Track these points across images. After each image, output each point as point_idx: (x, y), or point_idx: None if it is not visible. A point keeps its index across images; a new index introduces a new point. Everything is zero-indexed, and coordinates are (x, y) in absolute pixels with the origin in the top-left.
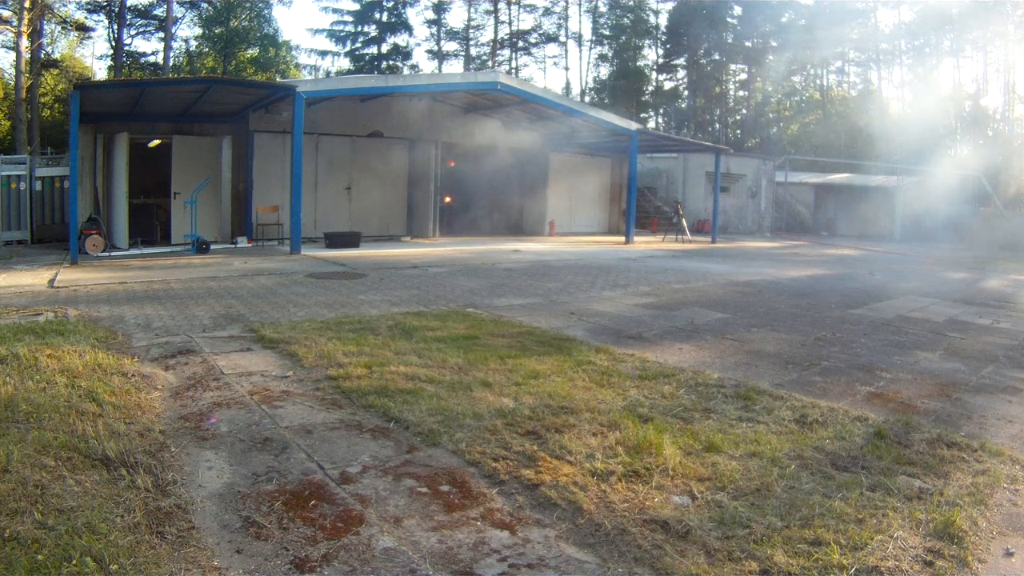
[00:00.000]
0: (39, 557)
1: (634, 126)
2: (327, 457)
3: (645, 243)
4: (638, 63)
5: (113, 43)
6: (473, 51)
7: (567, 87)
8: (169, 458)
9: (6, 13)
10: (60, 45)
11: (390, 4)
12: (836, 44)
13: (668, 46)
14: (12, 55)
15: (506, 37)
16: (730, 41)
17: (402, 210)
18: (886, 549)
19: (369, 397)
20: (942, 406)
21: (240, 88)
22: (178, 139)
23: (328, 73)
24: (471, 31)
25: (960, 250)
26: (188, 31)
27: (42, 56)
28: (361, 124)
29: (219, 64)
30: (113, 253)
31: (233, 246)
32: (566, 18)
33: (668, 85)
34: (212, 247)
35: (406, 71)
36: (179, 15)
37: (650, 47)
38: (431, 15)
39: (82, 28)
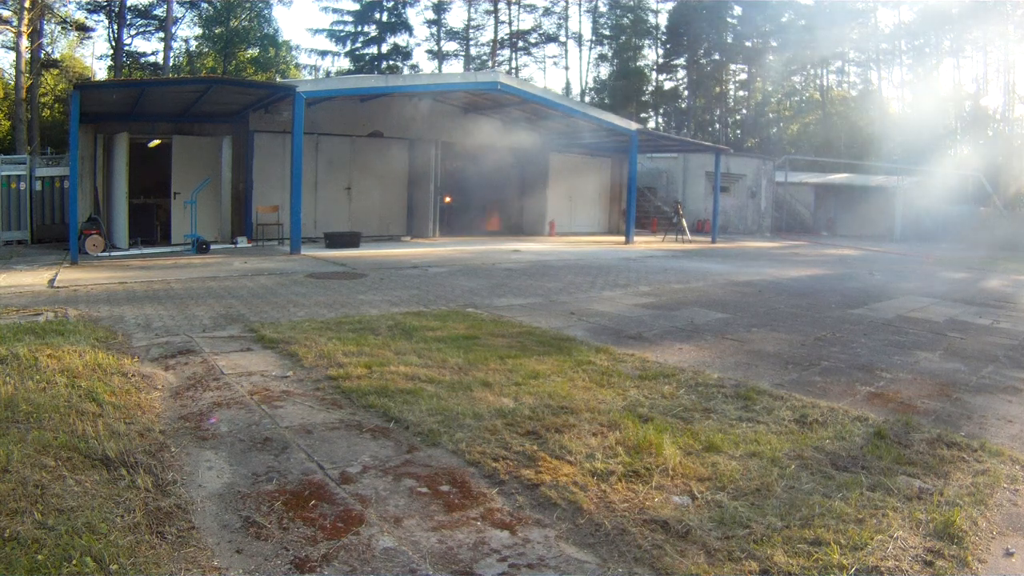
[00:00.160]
0: (39, 557)
1: (634, 126)
2: (327, 457)
3: (645, 243)
4: (638, 63)
5: (113, 43)
6: (473, 51)
7: (567, 87)
8: (169, 458)
9: (6, 13)
10: (60, 45)
11: (390, 4)
12: (836, 44)
13: (668, 46)
14: (12, 55)
15: (506, 37)
16: (730, 41)
17: (402, 210)
18: (886, 549)
19: (369, 397)
20: (942, 406)
21: (240, 88)
22: (178, 139)
23: (328, 73)
24: (471, 31)
25: (960, 250)
26: (188, 31)
27: (42, 56)
28: (361, 124)
29: (219, 64)
30: (113, 253)
31: (233, 246)
32: (566, 18)
33: (668, 85)
34: (212, 247)
35: (406, 71)
36: (179, 15)
37: (650, 47)
38: (431, 15)
39: (82, 28)
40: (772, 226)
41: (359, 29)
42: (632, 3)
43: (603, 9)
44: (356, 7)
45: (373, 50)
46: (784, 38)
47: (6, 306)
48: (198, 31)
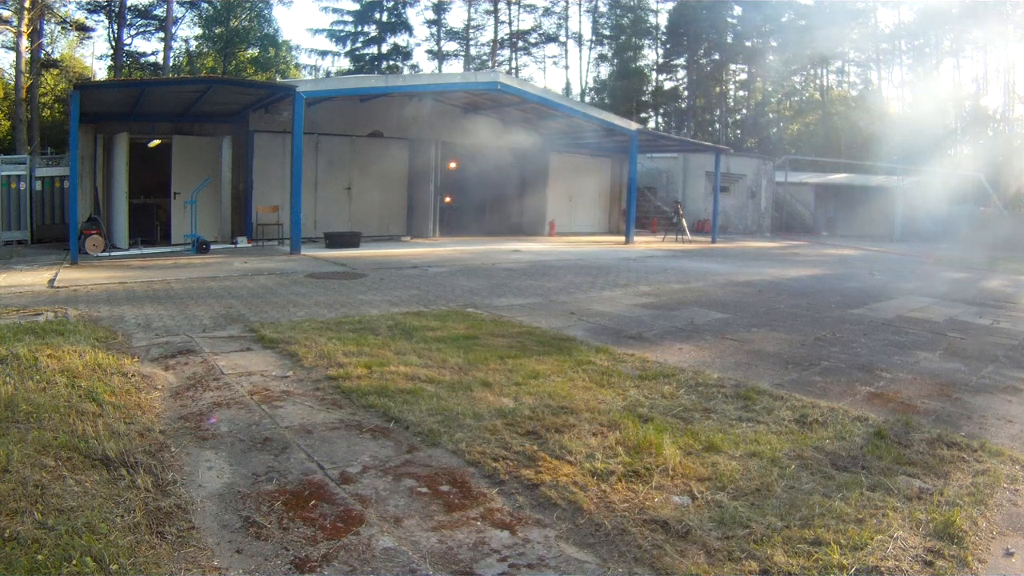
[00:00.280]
0: (39, 557)
1: (634, 126)
2: (327, 457)
3: (645, 243)
4: (638, 63)
5: (113, 43)
6: (473, 51)
7: (567, 87)
8: (169, 458)
9: (6, 13)
10: (60, 45)
11: (390, 4)
12: (836, 44)
13: (668, 46)
14: (12, 55)
15: (506, 37)
16: (730, 41)
17: (402, 210)
18: (886, 549)
19: (369, 397)
20: (942, 406)
21: (240, 88)
22: (178, 139)
23: (328, 73)
24: (471, 31)
25: (960, 250)
26: (188, 31)
27: (42, 56)
28: (361, 124)
29: (219, 64)
30: (113, 253)
31: (233, 246)
32: (566, 18)
33: (668, 85)
34: (212, 247)
35: (406, 71)
36: (179, 15)
37: (650, 47)
38: (431, 15)
39: (82, 28)
40: (772, 226)
41: (359, 29)
42: (632, 3)
43: (603, 9)
44: (356, 7)
45: (373, 50)
46: (784, 38)
47: (6, 306)
48: (198, 31)
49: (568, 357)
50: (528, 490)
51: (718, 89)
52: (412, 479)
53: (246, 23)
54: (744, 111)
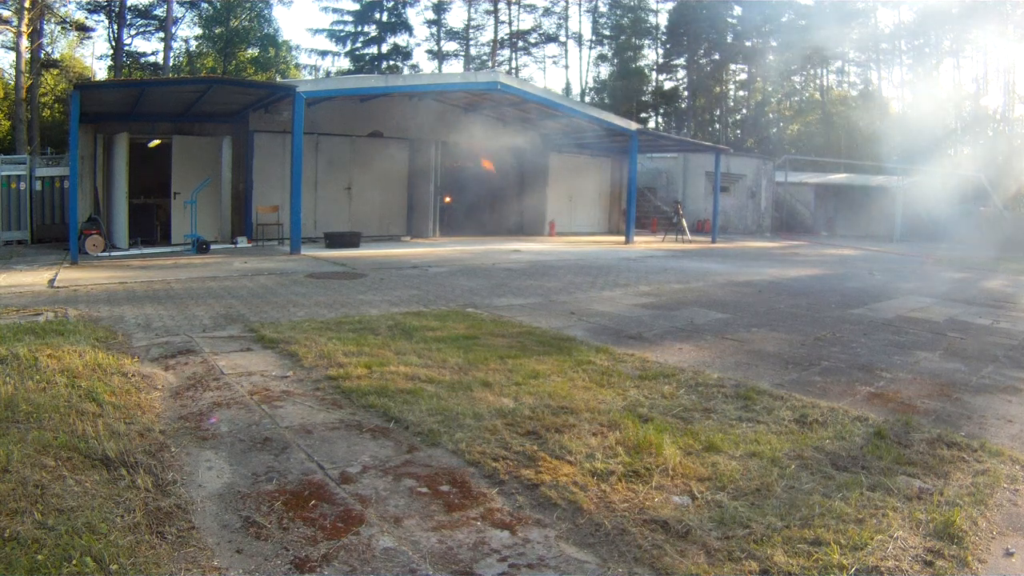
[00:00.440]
0: (39, 557)
1: (634, 126)
2: (327, 457)
3: (645, 243)
4: (638, 63)
5: (113, 43)
6: (473, 51)
7: (567, 87)
8: (169, 458)
9: (6, 13)
10: (60, 45)
11: (390, 4)
12: (836, 44)
13: (668, 46)
14: (12, 55)
15: (506, 37)
16: (730, 41)
17: (402, 210)
18: (886, 549)
19: (369, 397)
20: (942, 406)
21: (240, 88)
22: (178, 139)
23: (328, 73)
24: (471, 31)
25: (960, 250)
26: (188, 31)
27: (42, 56)
28: (361, 124)
29: (219, 64)
30: (113, 253)
31: (233, 246)
32: (566, 18)
33: (668, 85)
34: (212, 247)
35: (406, 71)
36: (179, 15)
37: (650, 47)
38: (431, 15)
39: (82, 28)
40: (772, 226)
41: (359, 29)
42: (632, 3)
43: (603, 9)
44: (356, 7)
45: (373, 50)
46: (784, 38)
47: (6, 306)
48: (198, 31)
49: (568, 357)
50: (528, 490)
51: (718, 89)
52: (412, 479)
53: (246, 23)
54: (744, 111)
